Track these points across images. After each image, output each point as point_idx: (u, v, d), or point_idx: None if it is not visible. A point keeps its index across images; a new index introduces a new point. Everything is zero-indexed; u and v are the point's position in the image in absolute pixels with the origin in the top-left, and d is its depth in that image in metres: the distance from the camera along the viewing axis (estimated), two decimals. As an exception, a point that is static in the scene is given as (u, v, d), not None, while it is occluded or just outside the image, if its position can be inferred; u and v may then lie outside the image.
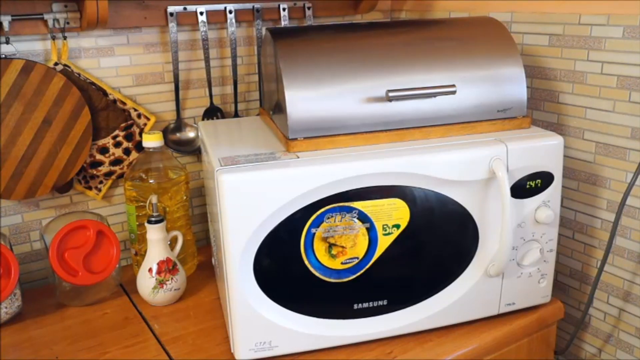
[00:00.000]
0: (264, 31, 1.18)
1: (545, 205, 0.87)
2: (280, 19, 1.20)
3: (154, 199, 0.97)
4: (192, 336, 0.91)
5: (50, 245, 0.95)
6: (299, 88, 0.81)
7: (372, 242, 0.82)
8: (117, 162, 1.09)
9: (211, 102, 1.18)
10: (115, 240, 1.00)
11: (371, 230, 0.82)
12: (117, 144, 1.08)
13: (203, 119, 1.19)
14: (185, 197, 1.07)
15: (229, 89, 1.21)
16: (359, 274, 0.83)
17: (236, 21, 1.16)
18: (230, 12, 1.14)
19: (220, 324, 0.93)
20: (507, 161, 0.83)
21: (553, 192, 0.87)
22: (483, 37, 0.91)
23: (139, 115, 1.11)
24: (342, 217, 0.80)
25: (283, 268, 0.81)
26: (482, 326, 0.91)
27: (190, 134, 1.18)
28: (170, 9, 1.09)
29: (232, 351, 0.84)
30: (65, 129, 1.01)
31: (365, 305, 0.85)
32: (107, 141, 1.08)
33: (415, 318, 0.87)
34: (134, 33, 1.09)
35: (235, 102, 1.20)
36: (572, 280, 1.06)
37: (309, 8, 1.22)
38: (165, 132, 1.14)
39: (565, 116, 1.02)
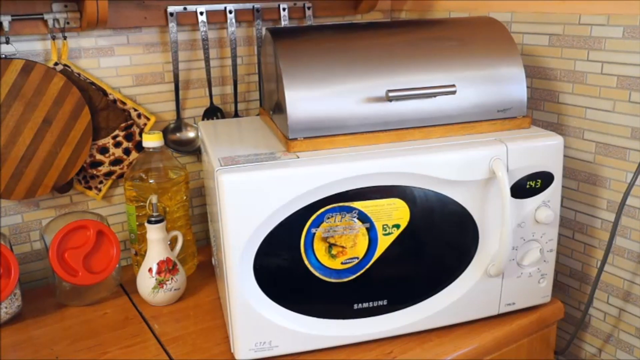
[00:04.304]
0: (264, 31, 1.18)
1: (545, 205, 0.87)
2: (280, 19, 1.20)
3: (154, 199, 0.97)
4: (192, 336, 0.91)
5: (50, 245, 0.95)
6: (299, 88, 0.81)
7: (372, 242, 0.82)
8: (117, 162, 1.09)
9: (211, 102, 1.18)
10: (115, 240, 1.00)
11: (371, 230, 0.82)
12: (117, 144, 1.08)
13: (203, 119, 1.19)
14: (185, 197, 1.07)
15: (229, 89, 1.21)
16: (359, 274, 0.83)
17: (236, 21, 1.16)
18: (230, 12, 1.14)
19: (220, 324, 0.93)
20: (507, 161, 0.83)
21: (553, 192, 0.87)
22: (483, 37, 0.91)
23: (139, 115, 1.11)
24: (342, 217, 0.80)
25: (283, 268, 0.81)
26: (482, 326, 0.91)
27: (190, 134, 1.18)
28: (170, 9, 1.09)
29: (232, 351, 0.84)
30: (65, 129, 1.01)
31: (365, 305, 0.85)
32: (107, 141, 1.08)
33: (415, 318, 0.87)
34: (133, 33, 1.09)
35: (235, 102, 1.20)
36: (572, 280, 1.06)
37: (309, 8, 1.22)
38: (165, 132, 1.14)
39: (565, 116, 1.02)
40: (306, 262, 0.81)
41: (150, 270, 0.97)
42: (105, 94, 1.07)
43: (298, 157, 0.79)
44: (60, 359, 0.86)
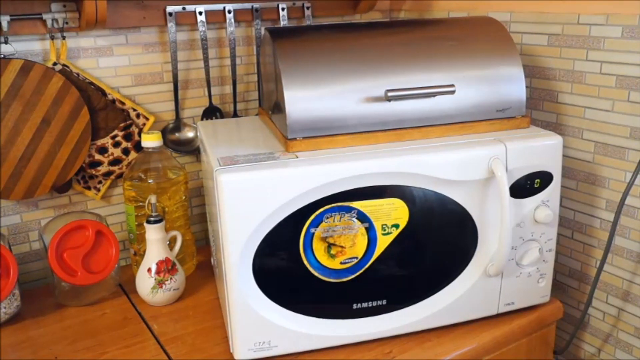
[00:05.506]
0: (263, 31, 1.18)
1: (545, 205, 0.87)
2: (279, 18, 1.20)
3: (153, 199, 0.97)
4: (191, 336, 0.91)
5: (49, 245, 0.95)
6: (298, 88, 0.81)
7: (371, 241, 0.82)
8: (116, 162, 1.09)
9: (210, 102, 1.18)
10: (114, 240, 1.00)
11: (370, 230, 0.82)
12: (116, 144, 1.08)
13: (202, 119, 1.19)
14: (184, 197, 1.07)
15: (228, 89, 1.21)
16: (358, 273, 0.83)
17: (235, 21, 1.16)
18: (229, 12, 1.14)
19: (219, 324, 0.93)
20: (506, 161, 0.83)
21: (552, 192, 0.87)
22: (482, 37, 0.91)
23: (137, 115, 1.11)
24: (341, 217, 0.80)
25: (282, 268, 0.81)
26: (481, 326, 0.91)
27: (189, 134, 1.18)
28: (169, 8, 1.09)
29: (231, 351, 0.84)
30: (64, 129, 1.01)
31: (365, 305, 0.85)
32: (106, 141, 1.07)
33: (414, 318, 0.87)
34: (132, 33, 1.09)
35: (234, 102, 1.20)
36: (571, 280, 1.06)
37: (308, 8, 1.22)
38: (164, 132, 1.14)
39: (564, 116, 1.02)
40: (305, 262, 0.81)
41: (149, 270, 0.97)
42: (104, 94, 1.07)
43: (297, 157, 0.79)
44: (60, 359, 0.86)
